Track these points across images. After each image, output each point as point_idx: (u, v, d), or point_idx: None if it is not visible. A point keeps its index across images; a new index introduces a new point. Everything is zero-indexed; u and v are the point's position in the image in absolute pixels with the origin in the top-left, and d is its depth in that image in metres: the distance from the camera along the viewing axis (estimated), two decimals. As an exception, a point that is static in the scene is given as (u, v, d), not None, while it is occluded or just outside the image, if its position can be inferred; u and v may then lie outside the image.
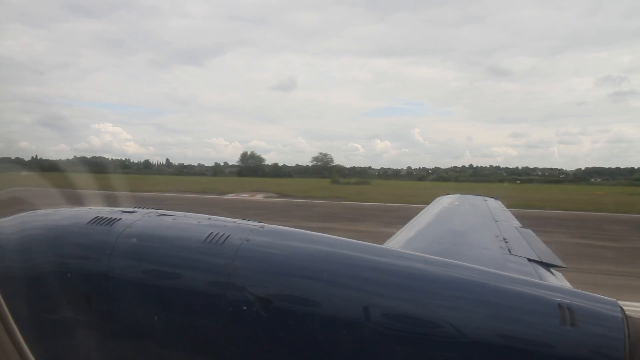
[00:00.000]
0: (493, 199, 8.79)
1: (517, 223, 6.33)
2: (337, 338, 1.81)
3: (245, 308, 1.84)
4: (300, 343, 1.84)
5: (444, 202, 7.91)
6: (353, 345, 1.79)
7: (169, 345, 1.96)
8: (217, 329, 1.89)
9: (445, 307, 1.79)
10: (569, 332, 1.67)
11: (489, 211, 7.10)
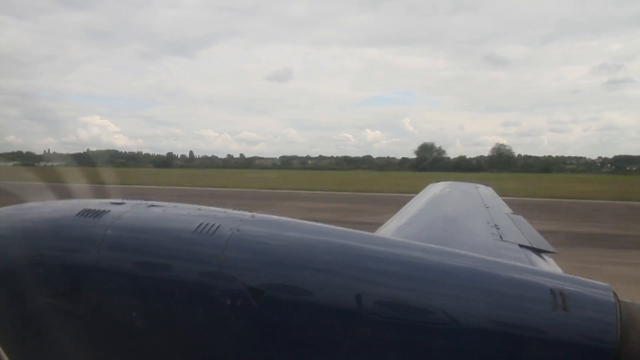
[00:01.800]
0: (484, 186, 8.85)
1: (508, 209, 6.38)
2: (330, 328, 1.80)
3: (236, 298, 1.83)
4: (293, 333, 1.83)
5: (435, 189, 7.94)
6: (347, 335, 1.79)
7: (160, 337, 1.94)
8: (209, 320, 1.88)
9: (438, 294, 1.79)
10: (562, 317, 1.67)
11: (480, 198, 7.14)
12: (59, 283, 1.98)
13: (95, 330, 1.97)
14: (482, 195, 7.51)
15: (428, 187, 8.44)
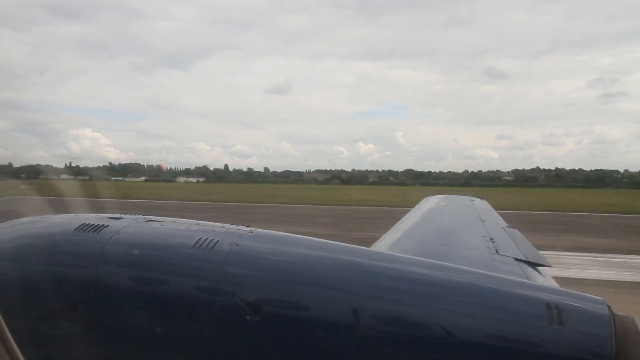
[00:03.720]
0: (479, 199, 8.88)
1: (503, 223, 6.40)
2: (328, 342, 1.80)
3: (235, 313, 1.83)
4: (291, 348, 1.83)
5: (431, 203, 7.96)
6: (344, 350, 1.79)
7: (159, 352, 1.94)
8: (207, 335, 1.88)
9: (434, 309, 1.79)
10: (557, 331, 1.69)
11: (476, 211, 7.17)
12: (58, 298, 1.97)
13: (95, 344, 1.96)
14: (477, 208, 7.54)
15: (424, 200, 8.46)
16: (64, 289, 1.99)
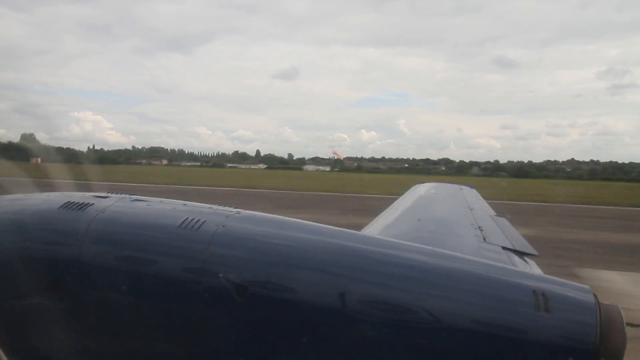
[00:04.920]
0: (468, 188, 8.93)
1: (492, 212, 6.45)
2: (314, 325, 1.80)
3: (221, 294, 1.82)
4: (276, 330, 1.83)
5: (420, 191, 7.98)
6: (331, 333, 1.79)
7: (143, 331, 1.92)
8: (192, 315, 1.87)
9: (421, 293, 1.80)
10: (543, 318, 1.70)
11: (465, 200, 7.20)
12: (40, 276, 1.94)
13: (77, 323, 1.94)
14: (466, 197, 7.58)
15: (413, 188, 8.48)
16: (47, 266, 1.96)
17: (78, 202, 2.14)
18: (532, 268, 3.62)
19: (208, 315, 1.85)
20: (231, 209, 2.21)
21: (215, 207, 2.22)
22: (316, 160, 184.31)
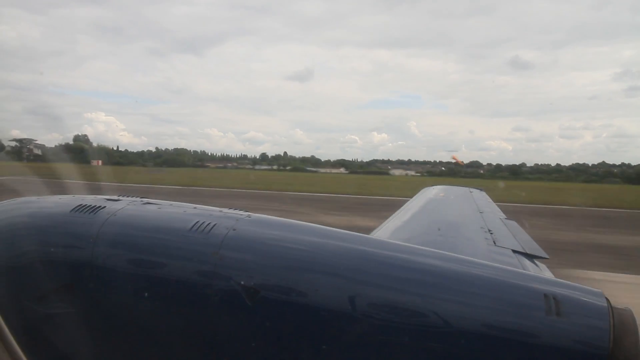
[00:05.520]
0: (478, 190, 8.88)
1: (501, 214, 6.41)
2: (325, 329, 1.80)
3: (231, 298, 1.82)
4: (287, 334, 1.83)
5: (429, 194, 7.96)
6: (341, 337, 1.79)
7: (154, 335, 1.94)
8: (203, 319, 1.87)
9: (432, 297, 1.79)
10: (555, 322, 1.68)
11: (474, 202, 7.17)
12: (53, 279, 1.96)
13: (89, 326, 1.95)
14: (476, 200, 7.54)
15: (422, 190, 8.46)
16: (59, 270, 1.98)
17: (90, 205, 2.17)
18: (543, 271, 3.59)
19: (219, 319, 1.86)
20: (242, 212, 2.22)
21: (225, 210, 2.23)
22: (401, 164, 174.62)
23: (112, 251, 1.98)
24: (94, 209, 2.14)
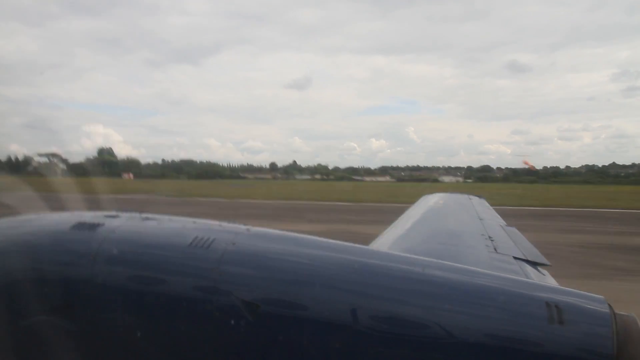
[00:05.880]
0: (477, 197, 8.89)
1: (502, 221, 6.41)
2: (327, 343, 1.79)
3: (232, 313, 1.81)
4: (289, 348, 1.81)
5: (429, 201, 7.96)
6: (344, 351, 1.77)
7: (155, 352, 1.92)
8: (203, 335, 1.86)
9: (433, 308, 1.78)
10: (558, 330, 1.67)
11: (474, 210, 7.17)
12: (52, 297, 1.95)
13: (89, 345, 1.94)
14: (475, 207, 7.54)
15: (422, 198, 8.47)
16: (58, 288, 1.96)
17: (89, 222, 2.16)
18: (546, 278, 3.58)
19: (220, 335, 1.84)
20: (241, 226, 2.21)
21: (224, 224, 2.22)
22: (448, 171, 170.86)
23: (112, 268, 1.97)
24: (93, 226, 2.13)
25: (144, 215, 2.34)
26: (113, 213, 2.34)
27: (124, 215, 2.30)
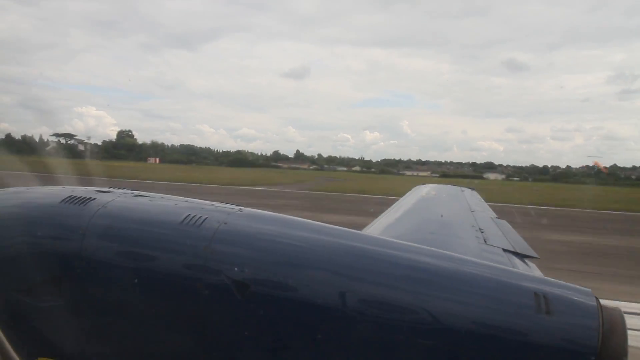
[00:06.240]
0: (469, 189, 8.94)
1: (492, 214, 6.45)
2: (315, 324, 1.80)
3: (221, 292, 1.81)
4: (277, 328, 1.82)
5: (421, 192, 7.99)
6: (331, 332, 1.79)
7: (143, 327, 1.92)
8: (193, 312, 1.86)
9: (422, 294, 1.79)
10: (545, 320, 1.69)
11: (466, 201, 7.22)
12: (41, 270, 1.94)
13: (78, 318, 1.94)
14: (467, 198, 7.59)
15: (414, 189, 8.49)
16: (48, 261, 1.95)
17: (80, 197, 2.14)
18: (533, 270, 3.61)
19: (209, 313, 1.85)
20: (233, 206, 2.20)
21: (217, 204, 2.22)
22: (495, 167, 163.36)
23: (102, 243, 1.96)
24: (84, 201, 2.11)
25: (136, 192, 2.33)
26: (105, 188, 2.32)
27: (116, 191, 2.29)
